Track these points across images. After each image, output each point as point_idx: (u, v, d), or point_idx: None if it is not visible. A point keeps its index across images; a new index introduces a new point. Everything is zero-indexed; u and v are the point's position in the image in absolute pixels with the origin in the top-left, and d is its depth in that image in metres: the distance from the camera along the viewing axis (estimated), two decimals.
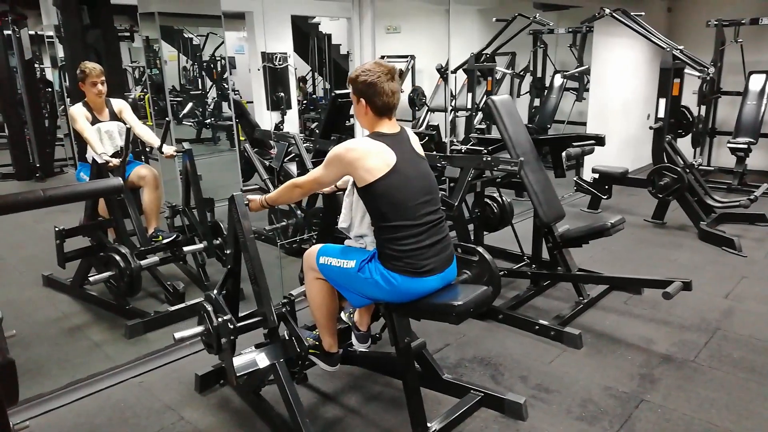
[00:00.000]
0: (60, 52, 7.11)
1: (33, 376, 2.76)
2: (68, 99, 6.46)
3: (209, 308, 2.27)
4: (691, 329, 3.15)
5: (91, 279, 3.20)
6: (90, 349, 3.04)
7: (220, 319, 2.21)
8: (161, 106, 7.57)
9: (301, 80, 7.94)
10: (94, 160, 3.39)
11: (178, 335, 2.27)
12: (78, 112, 3.59)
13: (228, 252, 2.42)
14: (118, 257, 3.14)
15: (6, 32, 6.68)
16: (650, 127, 4.90)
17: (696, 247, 4.49)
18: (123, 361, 2.85)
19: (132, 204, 3.56)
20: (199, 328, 2.30)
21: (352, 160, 2.03)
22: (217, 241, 3.58)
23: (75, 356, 2.97)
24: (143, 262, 3.26)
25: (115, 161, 3.42)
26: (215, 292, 2.33)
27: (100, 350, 3.02)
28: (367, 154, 2.03)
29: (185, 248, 3.57)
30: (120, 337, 3.13)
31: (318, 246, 2.30)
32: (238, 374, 2.21)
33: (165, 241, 3.57)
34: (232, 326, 2.20)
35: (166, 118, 6.53)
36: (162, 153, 3.72)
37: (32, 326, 3.28)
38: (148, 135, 3.81)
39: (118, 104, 3.77)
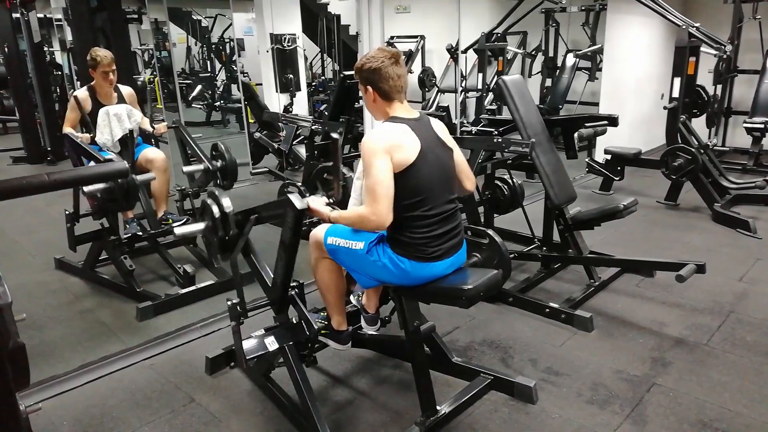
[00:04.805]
0: (68, 35, 7.11)
1: (46, 358, 2.79)
2: (77, 82, 6.48)
3: (210, 202, 2.16)
4: (704, 312, 3.12)
5: (85, 189, 3.13)
6: (101, 332, 3.06)
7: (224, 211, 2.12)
8: (170, 89, 7.56)
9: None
10: (64, 134, 3.55)
11: (179, 231, 2.25)
12: (78, 99, 3.67)
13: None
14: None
15: (14, 15, 6.67)
16: (664, 107, 4.82)
17: (710, 229, 4.44)
18: (134, 343, 2.88)
19: (141, 187, 3.56)
20: (201, 224, 2.22)
21: (388, 145, 1.95)
22: (217, 163, 3.77)
23: (87, 339, 3.00)
24: (139, 178, 3.36)
25: (87, 135, 3.59)
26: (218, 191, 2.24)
27: (111, 333, 3.05)
28: (396, 139, 1.97)
29: (185, 168, 3.77)
30: (131, 319, 3.16)
31: (326, 226, 2.27)
32: (247, 357, 2.21)
33: (175, 224, 3.57)
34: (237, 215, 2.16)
35: (151, 98, 6.58)
36: (153, 129, 3.87)
37: (45, 309, 3.32)
38: (145, 122, 3.92)
39: (127, 90, 3.87)
